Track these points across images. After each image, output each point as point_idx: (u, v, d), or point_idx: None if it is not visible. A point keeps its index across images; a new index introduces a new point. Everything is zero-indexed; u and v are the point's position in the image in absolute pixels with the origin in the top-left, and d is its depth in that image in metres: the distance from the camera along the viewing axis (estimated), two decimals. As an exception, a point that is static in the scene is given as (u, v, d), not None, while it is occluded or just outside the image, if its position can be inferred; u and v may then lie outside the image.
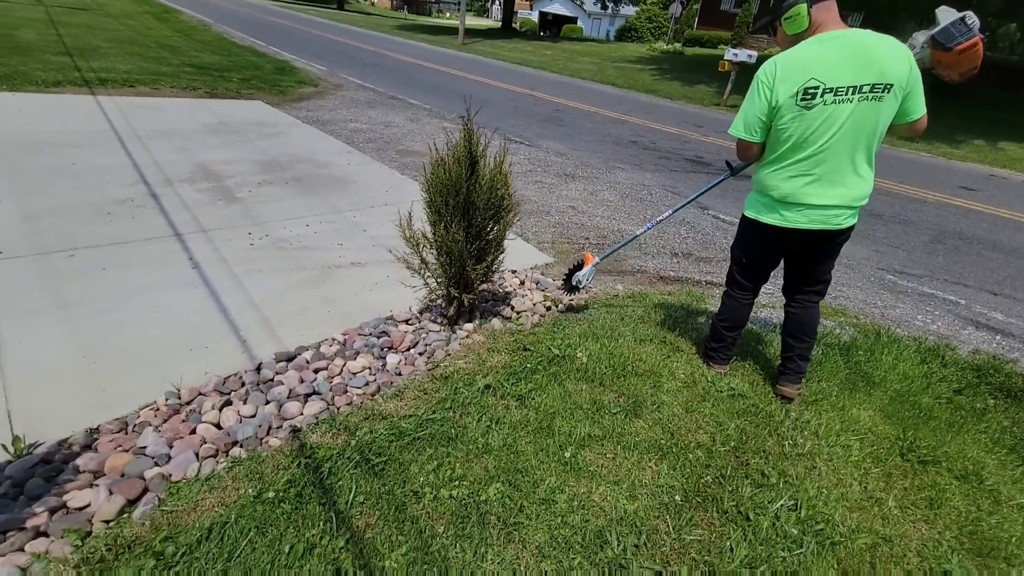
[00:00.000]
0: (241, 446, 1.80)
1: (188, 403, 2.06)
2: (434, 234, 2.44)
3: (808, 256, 2.10)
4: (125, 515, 1.50)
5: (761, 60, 11.90)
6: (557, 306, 3.05)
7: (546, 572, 1.31)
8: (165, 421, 1.94)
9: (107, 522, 1.48)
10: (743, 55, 10.61)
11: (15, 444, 1.77)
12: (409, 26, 31.16)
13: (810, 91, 1.70)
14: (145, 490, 1.59)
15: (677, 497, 1.62)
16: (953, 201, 6.43)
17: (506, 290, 3.17)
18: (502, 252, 2.58)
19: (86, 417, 1.96)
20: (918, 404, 2.48)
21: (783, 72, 1.73)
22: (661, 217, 2.58)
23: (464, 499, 1.51)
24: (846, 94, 1.68)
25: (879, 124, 1.73)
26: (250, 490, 1.51)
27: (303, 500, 1.47)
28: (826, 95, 1.69)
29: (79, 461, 1.72)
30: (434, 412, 1.88)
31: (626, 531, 1.47)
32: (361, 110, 8.12)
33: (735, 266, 2.30)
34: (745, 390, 2.32)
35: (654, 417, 2.00)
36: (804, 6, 1.73)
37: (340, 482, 1.53)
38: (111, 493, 1.55)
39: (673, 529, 1.50)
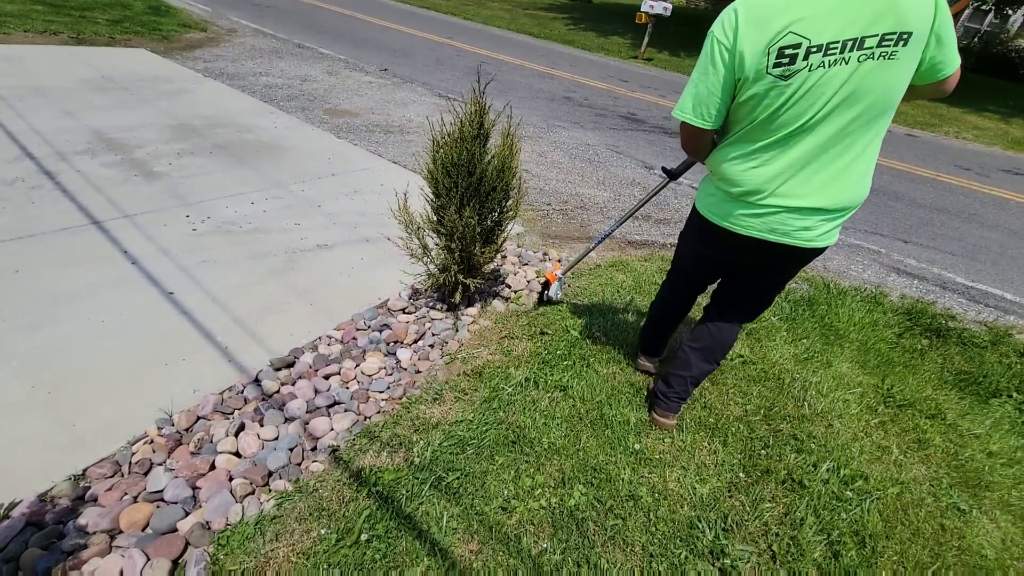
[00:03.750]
0: (280, 477, 1.60)
1: (188, 430, 1.80)
2: (439, 218, 2.26)
3: (762, 274, 1.59)
4: (174, 580, 1.29)
5: (677, 13, 12.13)
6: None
7: (660, 572, 1.33)
8: (170, 455, 1.68)
9: (154, 592, 1.27)
10: (659, 7, 10.71)
11: (-15, 508, 1.45)
12: (292, -41, 27.79)
13: (788, 52, 1.17)
14: (186, 546, 1.38)
15: (741, 474, 1.70)
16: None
17: (494, 268, 3.05)
18: (506, 233, 2.46)
19: (62, 461, 1.64)
20: (879, 352, 2.79)
21: (748, 23, 1.20)
22: (607, 231, 2.31)
23: (554, 508, 1.47)
24: (841, 52, 1.15)
25: (891, 92, 1.20)
26: (324, 531, 1.35)
27: (392, 536, 1.34)
28: (811, 56, 1.17)
29: (83, 519, 1.44)
30: (484, 415, 1.79)
31: (712, 516, 1.52)
32: (268, 61, 7.23)
33: (676, 262, 1.91)
34: (748, 354, 2.46)
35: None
36: None
37: (423, 507, 1.42)
38: (148, 558, 1.32)
39: (749, 507, 1.58)
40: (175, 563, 1.34)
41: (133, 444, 1.72)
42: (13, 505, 1.48)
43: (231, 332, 2.30)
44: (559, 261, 3.39)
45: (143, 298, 2.38)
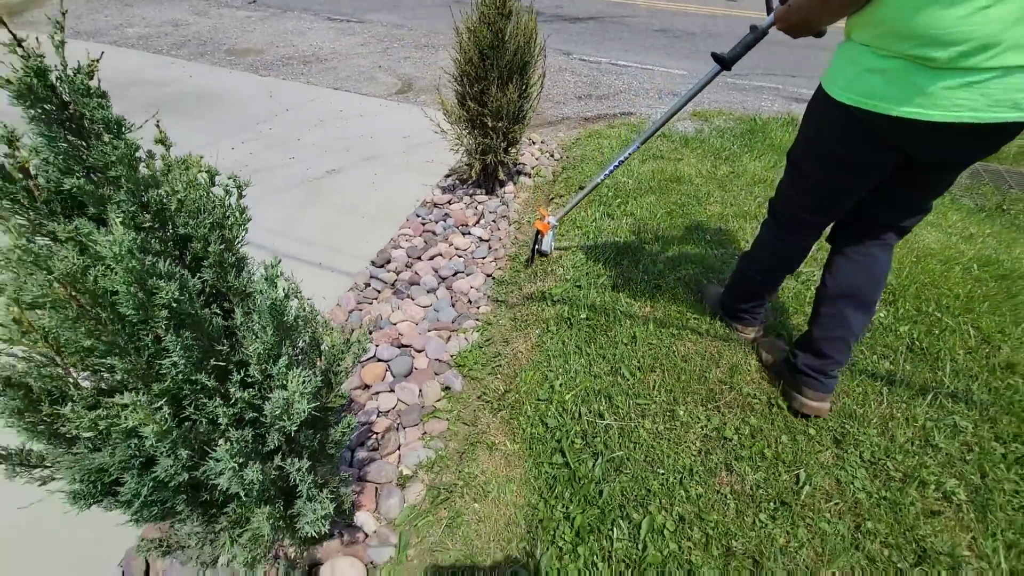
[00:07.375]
0: (462, 321, 1.92)
1: (346, 321, 2.02)
2: (481, 102, 2.48)
3: (938, 173, 1.18)
4: (445, 393, 1.62)
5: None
6: (553, 156, 3.36)
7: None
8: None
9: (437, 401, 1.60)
10: None
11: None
12: None
13: None
14: (435, 373, 1.69)
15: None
16: (714, 12, 7.90)
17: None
18: (533, 106, 2.74)
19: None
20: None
21: None
22: (630, 150, 1.87)
23: (688, 278, 1.96)
24: None
25: None
26: (539, 331, 1.72)
27: (593, 317, 1.75)
28: None
29: (330, 388, 1.68)
30: (588, 242, 2.20)
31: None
32: (118, 11, 6.35)
33: (794, 189, 1.36)
34: (735, 169, 3.05)
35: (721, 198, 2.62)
36: None
37: (600, 299, 1.83)
38: (418, 388, 1.63)
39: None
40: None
41: (310, 340, 1.92)
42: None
43: (311, 251, 2.44)
44: (547, 208, 2.70)
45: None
